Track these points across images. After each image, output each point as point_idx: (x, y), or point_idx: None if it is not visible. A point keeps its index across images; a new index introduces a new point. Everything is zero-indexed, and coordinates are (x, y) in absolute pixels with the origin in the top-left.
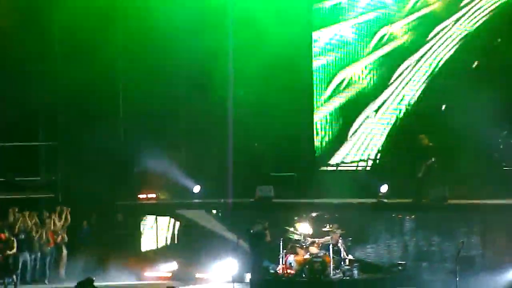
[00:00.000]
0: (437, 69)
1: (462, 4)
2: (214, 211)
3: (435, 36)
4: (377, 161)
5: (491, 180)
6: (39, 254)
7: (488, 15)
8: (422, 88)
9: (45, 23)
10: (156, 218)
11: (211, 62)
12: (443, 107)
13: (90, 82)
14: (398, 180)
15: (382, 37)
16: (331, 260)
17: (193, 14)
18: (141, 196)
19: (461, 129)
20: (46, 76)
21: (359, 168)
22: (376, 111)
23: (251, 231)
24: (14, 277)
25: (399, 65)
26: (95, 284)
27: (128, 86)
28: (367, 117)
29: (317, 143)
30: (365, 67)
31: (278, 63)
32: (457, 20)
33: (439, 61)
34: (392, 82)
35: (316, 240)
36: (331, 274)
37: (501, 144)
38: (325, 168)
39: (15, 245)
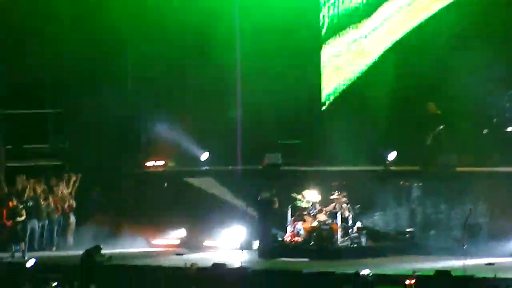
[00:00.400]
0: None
1: None
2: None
3: None
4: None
5: (498, 147)
6: (46, 221)
7: None
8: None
9: None
10: (164, 186)
11: (217, 26)
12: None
13: (97, 48)
14: (406, 147)
15: None
16: (339, 227)
17: None
18: (149, 163)
19: (466, 96)
20: (52, 43)
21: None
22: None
23: (259, 198)
24: (22, 244)
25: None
26: (103, 251)
27: (135, 52)
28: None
29: (324, 109)
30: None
31: (285, 28)
32: None
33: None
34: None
35: (324, 207)
36: (339, 242)
37: (507, 103)
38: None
39: (23, 212)
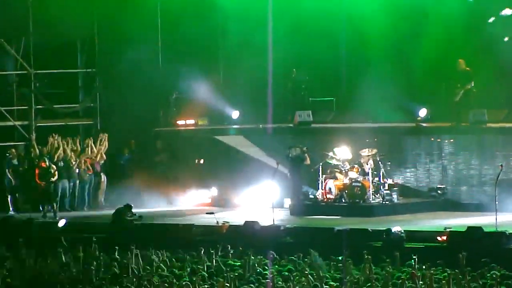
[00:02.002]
0: None
1: None
2: None
3: None
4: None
5: None
6: (77, 181)
7: None
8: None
9: None
10: (195, 145)
11: None
12: None
13: (127, 6)
14: (437, 104)
15: None
16: (370, 184)
17: None
18: (179, 122)
19: (499, 52)
20: (82, 2)
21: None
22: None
23: (290, 155)
24: (54, 204)
25: None
26: (134, 210)
27: (166, 9)
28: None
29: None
30: None
31: None
32: None
33: None
34: None
35: (355, 164)
36: (371, 199)
37: None
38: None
39: (56, 173)
